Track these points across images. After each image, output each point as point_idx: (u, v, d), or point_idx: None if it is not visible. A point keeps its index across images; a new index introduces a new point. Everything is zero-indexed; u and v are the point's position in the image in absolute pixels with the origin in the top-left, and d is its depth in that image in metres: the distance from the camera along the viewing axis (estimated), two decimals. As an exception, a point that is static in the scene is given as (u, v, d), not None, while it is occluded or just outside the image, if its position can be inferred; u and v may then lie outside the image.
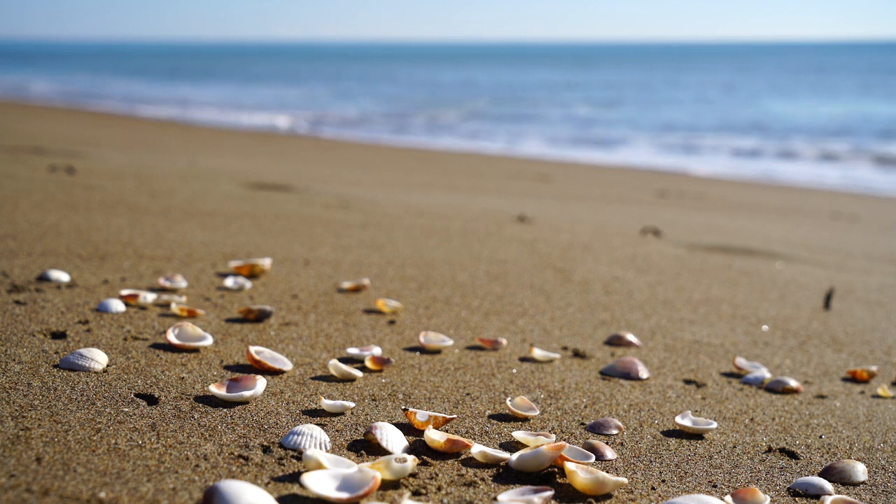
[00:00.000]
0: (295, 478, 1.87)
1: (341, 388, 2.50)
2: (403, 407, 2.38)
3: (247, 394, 2.28)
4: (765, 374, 2.96)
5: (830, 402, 2.79)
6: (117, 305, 3.02)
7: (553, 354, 2.97)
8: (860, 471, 2.18)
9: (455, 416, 2.33)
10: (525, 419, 2.38)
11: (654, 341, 3.33)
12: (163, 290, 3.38)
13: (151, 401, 2.24)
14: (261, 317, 3.09)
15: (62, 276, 3.36)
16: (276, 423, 2.17)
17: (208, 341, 2.70)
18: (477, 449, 2.05)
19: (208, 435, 2.05)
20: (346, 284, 3.67)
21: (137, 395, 2.26)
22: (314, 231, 5.01)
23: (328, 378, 2.57)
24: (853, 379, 3.08)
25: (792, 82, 42.63)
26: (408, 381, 2.61)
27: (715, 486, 2.06)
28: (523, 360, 2.95)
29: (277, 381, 2.49)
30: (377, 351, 2.80)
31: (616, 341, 3.24)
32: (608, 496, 1.94)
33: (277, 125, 20.71)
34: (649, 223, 6.64)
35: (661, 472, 2.11)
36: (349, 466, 1.87)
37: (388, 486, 1.87)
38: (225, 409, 2.22)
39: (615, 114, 25.84)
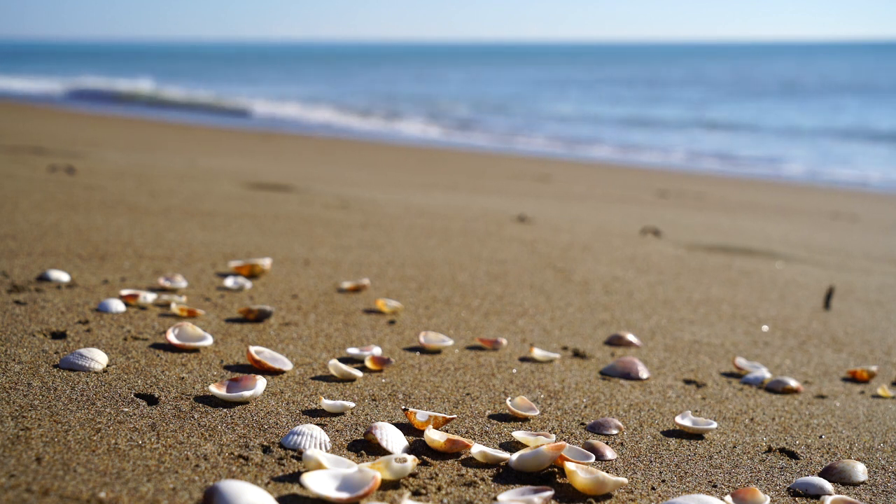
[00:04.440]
0: (295, 478, 1.87)
1: (341, 388, 2.50)
2: (403, 407, 2.38)
3: (247, 394, 2.28)
4: (765, 374, 2.96)
5: (830, 402, 2.79)
6: (117, 305, 3.02)
7: (553, 354, 2.97)
8: (860, 471, 2.18)
9: (455, 416, 2.33)
10: (525, 419, 2.38)
11: (654, 341, 3.33)
12: (163, 290, 3.38)
13: (151, 401, 2.24)
14: (261, 317, 3.09)
15: (62, 276, 3.36)
16: (276, 423, 2.17)
17: (208, 341, 2.70)
18: (477, 449, 2.05)
19: (208, 435, 2.05)
20: (346, 284, 3.67)
21: (137, 395, 2.26)
22: (314, 231, 5.01)
23: (328, 378, 2.57)
24: (853, 379, 3.08)
25: (792, 82, 42.64)
26: (408, 381, 2.61)
27: (715, 486, 2.06)
28: (523, 360, 2.95)
29: (277, 381, 2.49)
30: (377, 351, 2.80)
31: (616, 341, 3.24)
32: (608, 496, 1.94)
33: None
34: (649, 223, 6.64)
35: (661, 472, 2.11)
36: (349, 466, 1.87)
37: (388, 486, 1.87)
38: (225, 409, 2.22)
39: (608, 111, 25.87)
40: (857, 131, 20.86)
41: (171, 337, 2.66)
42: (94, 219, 4.70)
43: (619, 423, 2.38)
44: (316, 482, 1.77)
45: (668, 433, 2.38)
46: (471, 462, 2.05)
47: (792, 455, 2.30)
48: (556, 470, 2.03)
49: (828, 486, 2.07)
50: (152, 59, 78.51)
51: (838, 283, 4.77)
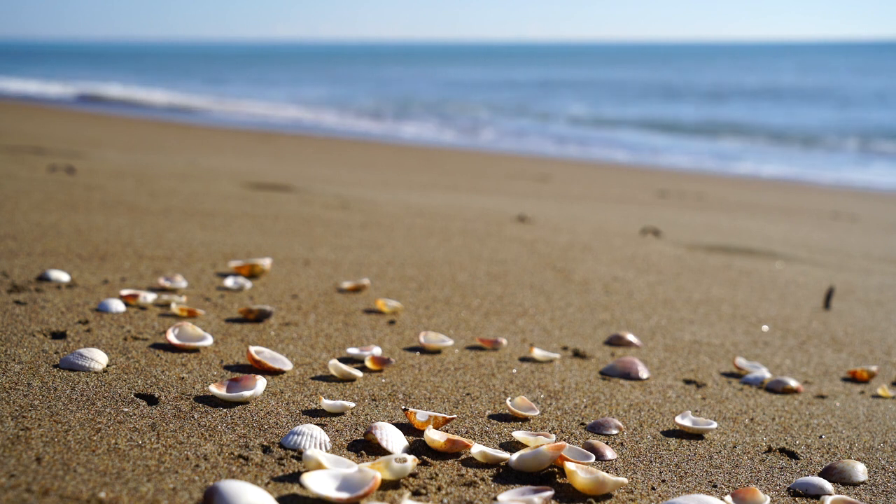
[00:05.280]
0: (295, 478, 1.87)
1: (341, 388, 2.50)
2: (403, 407, 2.38)
3: (247, 394, 2.28)
4: (765, 374, 2.96)
5: (830, 402, 2.79)
6: (117, 305, 3.02)
7: (553, 354, 2.97)
8: (860, 471, 2.18)
9: (455, 416, 2.33)
10: (525, 419, 2.38)
11: (654, 341, 3.33)
12: (163, 290, 3.38)
13: (151, 401, 2.24)
14: (261, 317, 3.09)
15: (62, 276, 3.36)
16: (276, 423, 2.17)
17: (208, 341, 2.70)
18: (477, 449, 2.05)
19: (208, 435, 2.05)
20: (346, 284, 3.67)
21: (137, 395, 2.26)
22: (314, 231, 5.01)
23: (328, 378, 2.57)
24: (853, 379, 3.08)
25: (792, 81, 42.63)
26: (408, 381, 2.61)
27: (715, 486, 2.06)
28: (523, 360, 2.95)
29: (277, 381, 2.49)
30: (377, 351, 2.80)
31: (616, 341, 3.24)
32: (608, 496, 1.94)
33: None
34: (649, 223, 6.64)
35: (661, 472, 2.11)
36: (349, 466, 1.87)
37: (388, 486, 1.87)
38: (225, 409, 2.22)
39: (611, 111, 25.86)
40: (858, 131, 20.85)
41: (171, 337, 2.66)
42: (94, 219, 4.70)
43: (619, 423, 2.38)
44: (316, 482, 1.77)
45: (668, 433, 2.38)
46: (471, 462, 2.05)
47: (792, 455, 2.30)
48: (556, 470, 2.03)
49: (828, 486, 2.07)
50: (154, 60, 78.50)
51: (838, 283, 4.77)
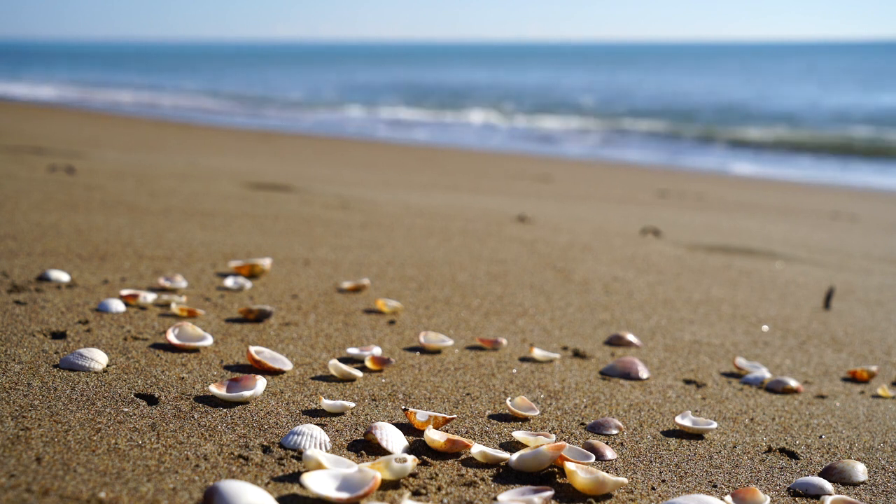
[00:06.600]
0: (295, 478, 1.87)
1: (341, 388, 2.50)
2: (403, 407, 2.38)
3: (247, 394, 2.28)
4: (765, 374, 2.96)
5: (830, 402, 2.79)
6: (117, 305, 3.02)
7: (553, 354, 2.97)
8: (860, 471, 2.18)
9: (455, 416, 2.33)
10: (525, 419, 2.38)
11: (654, 341, 3.33)
12: (163, 290, 3.38)
13: (151, 401, 2.24)
14: (261, 317, 3.09)
15: (62, 276, 3.36)
16: (276, 423, 2.17)
17: (208, 341, 2.70)
18: (477, 449, 2.05)
19: (208, 435, 2.05)
20: (346, 284, 3.67)
21: (137, 395, 2.26)
22: (314, 231, 5.01)
23: (328, 378, 2.57)
24: (853, 379, 3.08)
25: (792, 81, 42.62)
26: (408, 381, 2.61)
27: (715, 486, 2.06)
28: (523, 360, 2.95)
29: (277, 381, 2.49)
30: (377, 351, 2.80)
31: (616, 341, 3.23)
32: (608, 496, 1.94)
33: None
34: (649, 223, 6.64)
35: (661, 472, 2.11)
36: (349, 466, 1.87)
37: (388, 486, 1.87)
38: (225, 409, 2.22)
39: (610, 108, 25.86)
40: (858, 130, 20.86)
41: (171, 337, 2.66)
42: (94, 219, 4.70)
43: (619, 423, 2.38)
44: (316, 482, 1.77)
45: (668, 433, 2.38)
46: (471, 462, 2.05)
47: (792, 455, 2.30)
48: (556, 470, 2.03)
49: (828, 486, 2.07)
50: (154, 60, 78.50)
51: (838, 283, 4.77)
